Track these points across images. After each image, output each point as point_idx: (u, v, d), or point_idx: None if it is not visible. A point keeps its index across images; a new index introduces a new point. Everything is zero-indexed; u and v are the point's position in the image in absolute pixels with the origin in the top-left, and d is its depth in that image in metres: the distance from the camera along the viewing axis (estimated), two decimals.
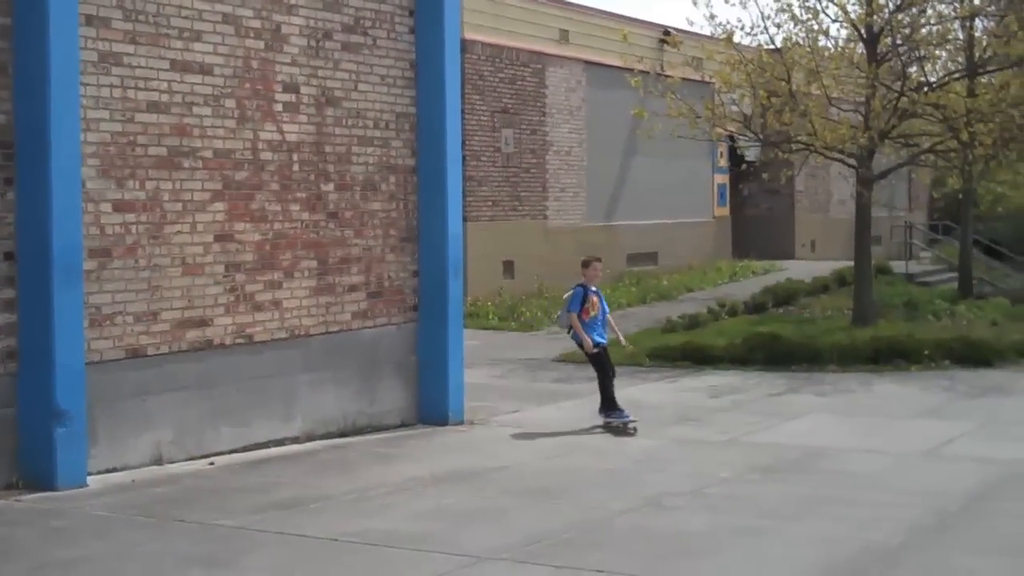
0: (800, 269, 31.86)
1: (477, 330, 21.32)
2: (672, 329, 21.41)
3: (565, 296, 13.78)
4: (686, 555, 8.21)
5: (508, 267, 26.36)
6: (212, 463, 10.95)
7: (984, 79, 24.54)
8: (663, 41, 28.94)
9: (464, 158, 17.99)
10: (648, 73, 23.32)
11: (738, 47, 22.17)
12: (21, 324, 9.85)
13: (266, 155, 11.74)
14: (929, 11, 22.77)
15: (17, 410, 9.83)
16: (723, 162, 34.89)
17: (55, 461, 9.74)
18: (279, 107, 11.86)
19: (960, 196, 30.19)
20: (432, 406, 13.20)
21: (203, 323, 11.16)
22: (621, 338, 14.01)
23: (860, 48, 22.59)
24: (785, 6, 21.96)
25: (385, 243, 13.00)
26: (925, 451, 12.03)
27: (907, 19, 22.13)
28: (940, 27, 23.13)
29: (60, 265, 9.77)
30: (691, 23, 31.59)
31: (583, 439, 12.63)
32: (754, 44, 22.90)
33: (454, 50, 13.43)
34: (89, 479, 9.96)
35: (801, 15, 21.94)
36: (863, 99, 22.15)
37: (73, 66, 9.92)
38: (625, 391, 15.57)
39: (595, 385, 15.11)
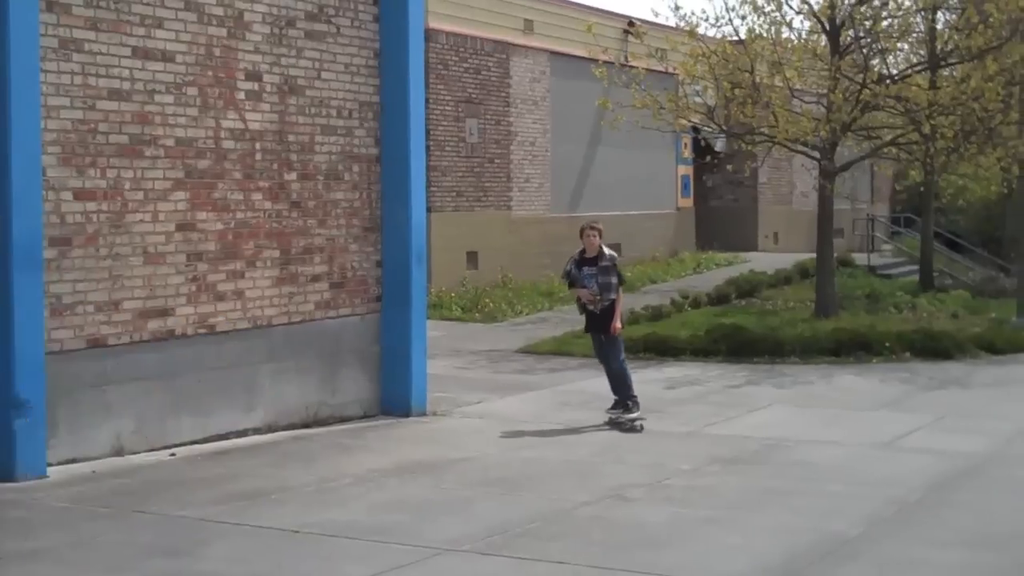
0: (763, 261, 31.99)
1: (440, 321, 21.31)
2: (635, 320, 21.41)
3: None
4: (647, 546, 8.24)
5: (472, 258, 26.34)
6: (173, 454, 10.90)
7: (945, 72, 24.71)
8: (627, 32, 28.98)
9: (428, 148, 17.98)
10: (612, 64, 23.35)
11: (702, 39, 22.22)
12: None
13: (228, 144, 11.69)
14: (891, 3, 22.89)
15: None
16: (687, 153, 34.97)
17: (14, 452, 9.69)
18: (241, 95, 11.81)
19: (922, 189, 30.39)
20: (395, 397, 13.18)
21: (165, 313, 11.10)
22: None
23: (823, 40, 22.70)
24: None
25: (348, 233, 12.97)
26: (884, 443, 12.10)
27: (869, 11, 22.26)
28: (901, 19, 23.27)
29: (20, 254, 9.71)
30: (656, 14, 31.58)
31: (545, 430, 12.64)
32: (718, 36, 22.96)
33: (418, 39, 13.40)
34: (49, 470, 9.91)
35: (764, 6, 22.03)
36: (825, 91, 22.26)
37: (33, 52, 9.85)
38: (588, 383, 15.62)
39: (557, 376, 15.32)
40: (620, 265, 13.14)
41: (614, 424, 12.62)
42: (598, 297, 12.70)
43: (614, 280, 12.78)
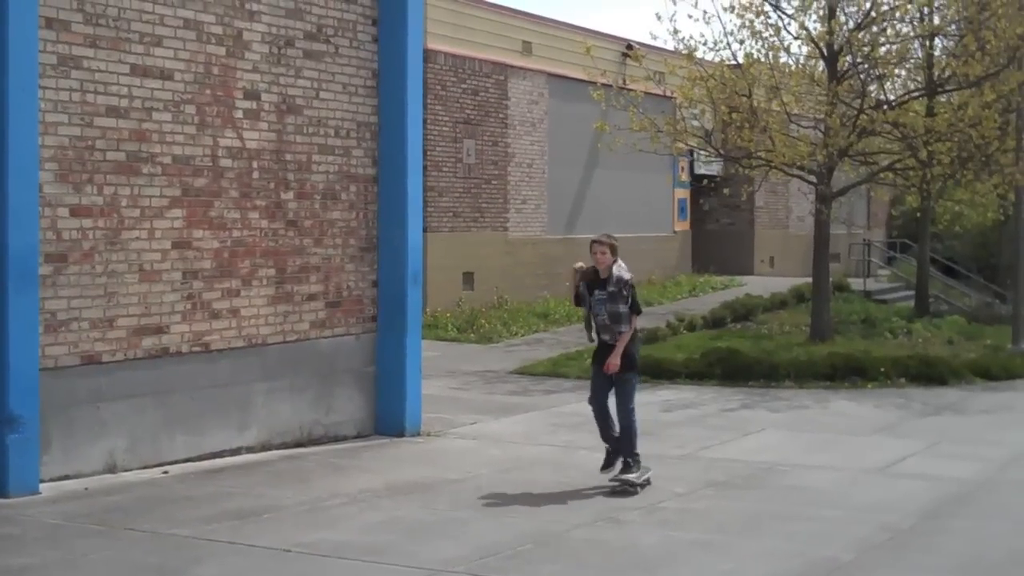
0: (759, 285, 32.00)
1: (435, 341, 21.31)
2: None
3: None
4: (640, 569, 8.22)
5: (468, 278, 26.35)
6: (166, 472, 10.88)
7: (943, 98, 24.77)
8: (626, 55, 29.03)
9: (425, 168, 17.98)
10: (610, 86, 23.39)
11: (700, 63, 22.27)
12: None
13: (226, 162, 11.70)
14: (889, 30, 22.95)
15: None
16: (684, 176, 35.02)
17: (7, 468, 9.67)
18: (239, 114, 11.82)
19: (918, 214, 30.43)
20: (389, 417, 13.17)
21: (159, 330, 11.09)
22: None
23: (820, 65, 22.76)
24: (747, 22, 22.09)
25: (344, 252, 12.97)
26: (878, 468, 12.09)
27: (867, 37, 22.30)
28: (899, 46, 23.33)
29: (16, 270, 9.70)
30: (654, 37, 31.64)
31: (539, 452, 12.63)
32: (716, 60, 23.01)
33: (416, 60, 13.43)
34: (42, 486, 9.89)
35: (763, 31, 22.08)
36: (823, 116, 22.30)
37: (32, 69, 9.86)
38: (582, 405, 15.57)
39: (551, 398, 14.84)
40: (634, 289, 10.77)
41: (612, 491, 10.61)
42: (606, 325, 10.62)
43: (623, 308, 10.52)
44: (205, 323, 11.52)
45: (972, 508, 10.46)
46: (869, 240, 37.62)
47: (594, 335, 10.87)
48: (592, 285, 10.70)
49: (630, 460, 10.74)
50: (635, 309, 10.66)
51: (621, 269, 10.64)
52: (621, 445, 10.77)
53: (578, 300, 10.89)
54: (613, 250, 10.60)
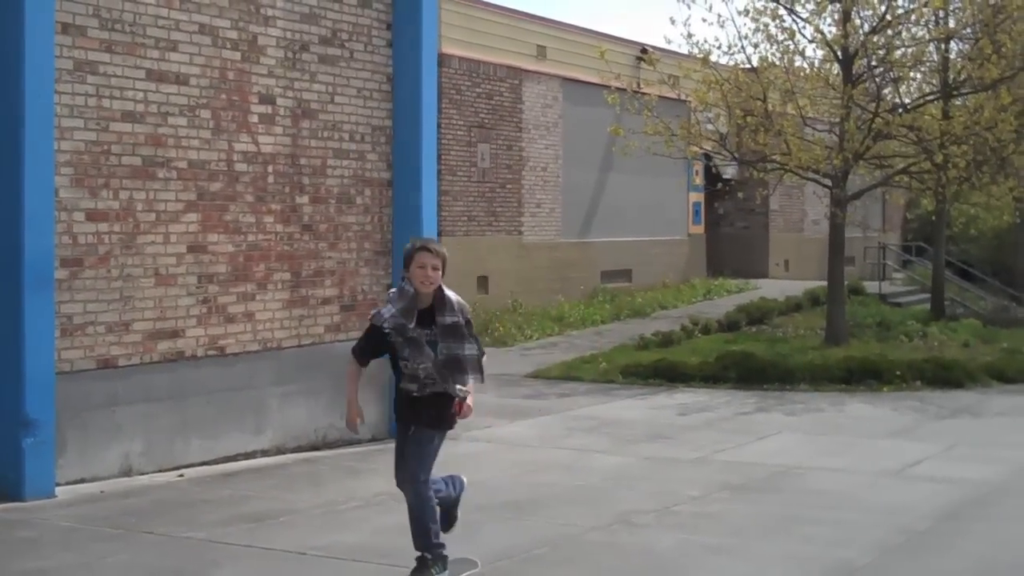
0: (774, 288, 31.96)
1: None
2: (645, 346, 21.45)
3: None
4: (655, 572, 8.21)
5: (482, 282, 26.35)
6: (182, 475, 10.90)
7: (958, 101, 24.74)
8: (640, 59, 29.02)
9: (439, 172, 17.99)
10: (625, 90, 23.39)
11: (715, 66, 22.27)
12: None
13: (241, 166, 11.72)
14: (904, 33, 22.93)
15: None
16: (698, 180, 34.98)
17: (23, 471, 9.69)
18: (255, 118, 11.85)
19: (933, 217, 30.36)
20: None
21: (175, 334, 11.12)
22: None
23: (835, 69, 22.73)
24: (761, 26, 22.09)
25: (359, 256, 12.99)
26: (894, 471, 12.06)
27: (882, 41, 22.29)
28: (915, 49, 23.30)
29: (32, 274, 9.73)
30: (669, 41, 31.65)
31: (554, 455, 12.62)
32: (731, 63, 23.01)
33: (431, 64, 13.44)
34: (57, 490, 9.91)
35: (777, 35, 22.08)
36: (838, 120, 22.28)
37: (48, 74, 9.89)
38: (597, 408, 15.61)
39: (566, 402, 14.74)
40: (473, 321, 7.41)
41: None
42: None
43: (468, 351, 7.15)
44: (220, 327, 11.55)
45: (989, 511, 10.43)
46: (884, 243, 37.52)
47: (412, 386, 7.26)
48: (408, 315, 7.10)
49: (428, 555, 7.37)
50: (480, 349, 7.26)
51: (453, 293, 7.22)
52: (415, 530, 7.44)
53: (369, 352, 7.47)
54: (445, 263, 7.15)
